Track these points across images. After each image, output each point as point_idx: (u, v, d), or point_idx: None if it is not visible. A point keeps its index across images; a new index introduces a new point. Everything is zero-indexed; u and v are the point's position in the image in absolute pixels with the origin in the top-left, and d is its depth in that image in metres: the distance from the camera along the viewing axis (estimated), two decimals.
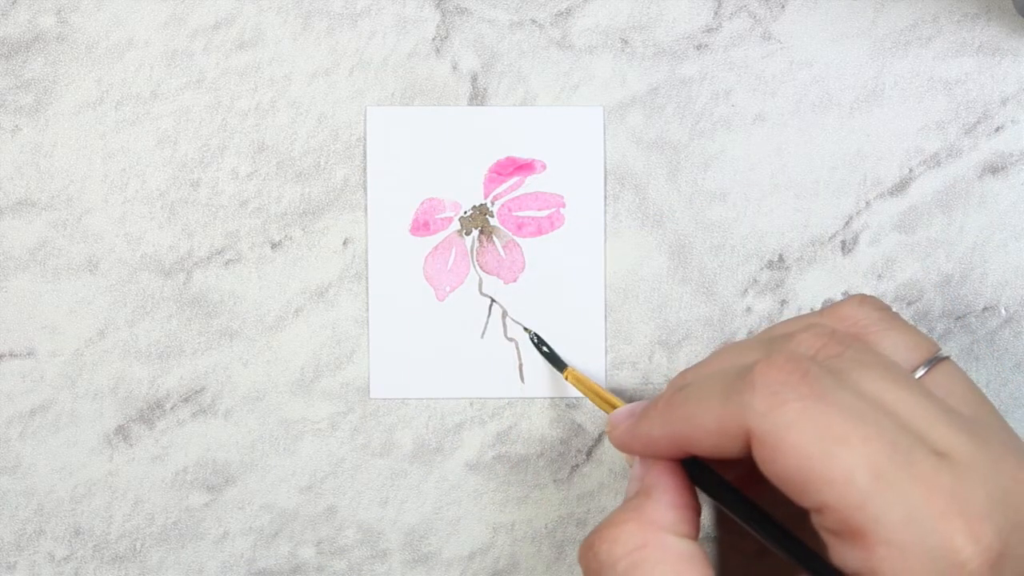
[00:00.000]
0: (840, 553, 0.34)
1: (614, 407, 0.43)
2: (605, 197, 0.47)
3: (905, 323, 0.40)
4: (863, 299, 0.41)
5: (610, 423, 0.41)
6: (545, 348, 0.46)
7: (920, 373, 0.39)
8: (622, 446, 0.40)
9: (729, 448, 0.36)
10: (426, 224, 0.47)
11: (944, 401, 0.36)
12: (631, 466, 0.41)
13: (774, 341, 0.38)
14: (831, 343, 0.37)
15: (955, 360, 0.45)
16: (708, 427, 0.36)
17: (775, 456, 0.34)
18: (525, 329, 0.47)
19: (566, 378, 0.46)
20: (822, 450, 0.33)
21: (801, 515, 0.36)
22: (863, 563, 0.33)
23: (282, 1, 0.47)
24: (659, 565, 0.36)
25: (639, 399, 0.46)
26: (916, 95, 0.46)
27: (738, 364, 0.37)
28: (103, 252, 0.47)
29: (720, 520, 0.47)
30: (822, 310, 0.41)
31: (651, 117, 0.47)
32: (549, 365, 0.46)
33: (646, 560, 0.36)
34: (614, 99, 0.47)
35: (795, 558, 0.36)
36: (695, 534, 0.37)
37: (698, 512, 0.38)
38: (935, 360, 0.39)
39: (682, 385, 0.38)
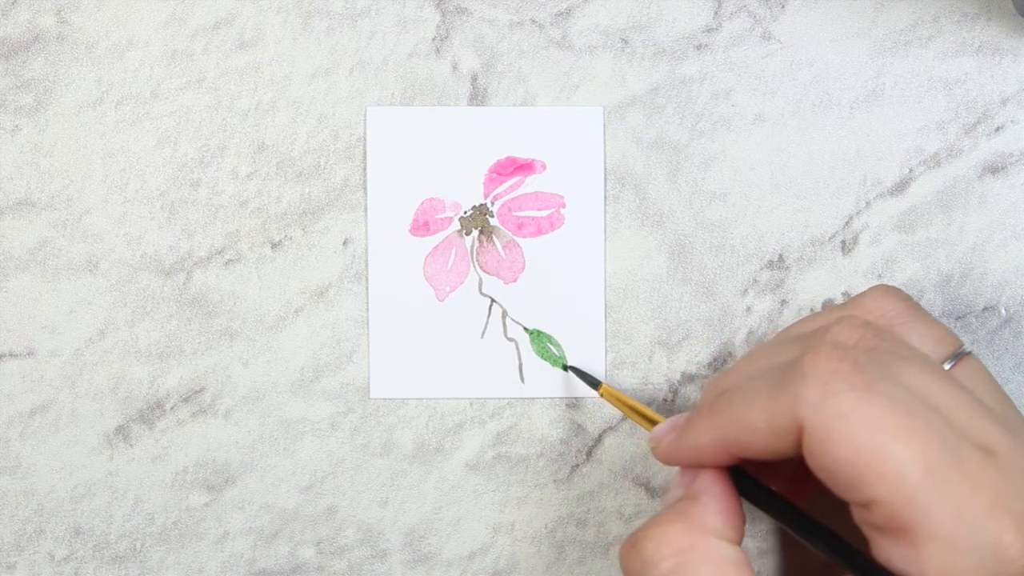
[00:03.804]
0: (885, 550, 0.33)
1: (652, 421, 0.43)
2: (605, 197, 0.47)
3: (928, 315, 0.40)
4: (886, 290, 0.40)
5: (653, 439, 0.40)
6: (578, 371, 0.46)
7: (947, 367, 0.39)
8: (668, 459, 0.39)
9: (779, 446, 0.35)
10: (426, 224, 0.47)
11: (976, 396, 0.36)
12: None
13: (808, 336, 0.37)
14: (868, 335, 0.36)
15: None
16: (757, 425, 0.35)
17: (826, 448, 0.34)
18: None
19: (601, 395, 0.45)
20: (875, 443, 0.33)
21: (841, 520, 0.36)
22: (910, 560, 0.33)
23: (282, 1, 0.47)
24: (704, 567, 0.35)
25: (640, 399, 0.46)
26: (916, 95, 0.46)
27: (777, 362, 0.37)
28: (103, 252, 0.47)
29: None
30: (846, 302, 0.41)
31: (651, 117, 0.47)
32: (549, 366, 0.46)
33: (692, 562, 0.36)
34: (614, 99, 0.47)
35: (844, 560, 0.35)
36: (740, 540, 0.37)
37: (743, 520, 0.38)
38: (960, 355, 0.39)
39: (723, 389, 0.38)
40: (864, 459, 0.33)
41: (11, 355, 0.47)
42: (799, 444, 0.35)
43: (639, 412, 0.44)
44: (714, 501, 0.37)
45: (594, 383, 0.45)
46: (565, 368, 0.46)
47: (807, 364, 0.35)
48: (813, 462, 0.34)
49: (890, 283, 0.46)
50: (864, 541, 0.35)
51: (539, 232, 0.47)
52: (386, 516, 0.47)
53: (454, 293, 0.47)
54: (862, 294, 0.41)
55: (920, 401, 0.34)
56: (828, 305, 0.46)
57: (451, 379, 0.47)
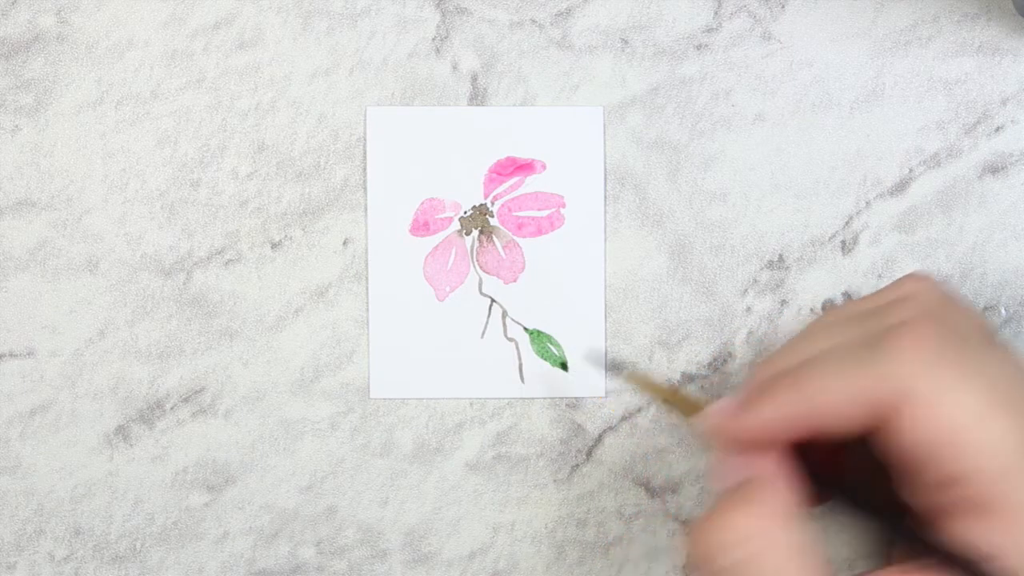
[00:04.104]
0: (960, 528, 0.34)
1: (691, 404, 0.42)
2: (605, 197, 0.47)
3: (963, 299, 0.40)
4: (920, 276, 0.40)
5: (711, 415, 0.39)
6: (598, 359, 0.46)
7: None
8: (733, 435, 0.38)
9: (856, 420, 0.35)
10: (426, 224, 0.47)
11: None
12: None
13: (882, 313, 0.37)
14: (946, 314, 0.37)
15: None
16: (841, 399, 0.35)
17: (921, 424, 0.34)
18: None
19: (626, 380, 0.45)
20: (973, 418, 0.34)
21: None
22: (988, 537, 0.33)
23: (282, 1, 0.47)
24: (774, 553, 0.35)
25: (640, 399, 0.46)
26: (916, 95, 0.46)
27: (854, 336, 0.37)
28: (103, 252, 0.47)
29: None
30: (885, 288, 0.41)
31: (651, 117, 0.47)
32: (550, 366, 0.46)
33: (764, 550, 0.36)
34: (614, 99, 0.47)
35: (909, 540, 0.36)
36: (804, 524, 0.37)
37: (807, 503, 0.38)
38: None
39: (785, 368, 0.37)
40: (960, 434, 0.33)
41: (11, 355, 0.47)
42: (878, 420, 0.35)
43: (671, 396, 0.43)
44: (780, 484, 0.37)
45: (618, 368, 0.45)
46: (564, 367, 0.46)
47: (907, 339, 0.35)
48: (901, 437, 0.34)
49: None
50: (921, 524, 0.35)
51: (539, 232, 0.47)
52: (386, 516, 0.47)
53: (454, 293, 0.47)
54: (898, 281, 0.40)
55: (1010, 380, 0.35)
56: (828, 305, 0.46)
57: (451, 379, 0.47)
